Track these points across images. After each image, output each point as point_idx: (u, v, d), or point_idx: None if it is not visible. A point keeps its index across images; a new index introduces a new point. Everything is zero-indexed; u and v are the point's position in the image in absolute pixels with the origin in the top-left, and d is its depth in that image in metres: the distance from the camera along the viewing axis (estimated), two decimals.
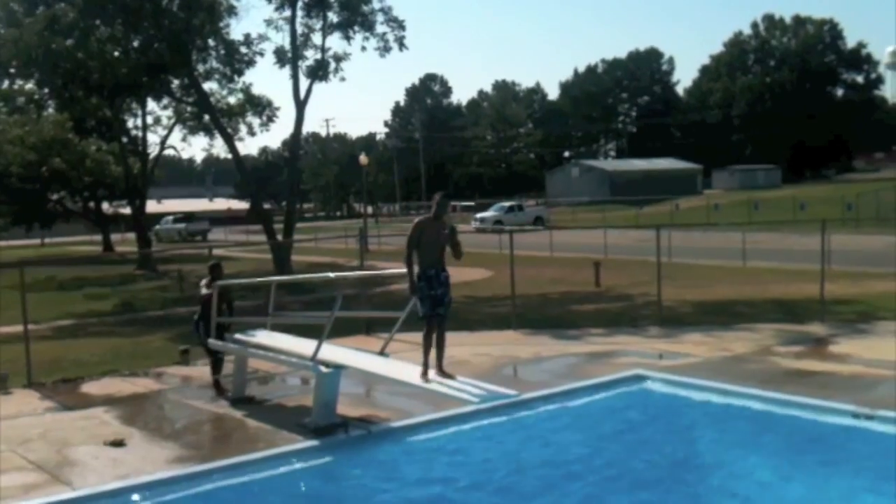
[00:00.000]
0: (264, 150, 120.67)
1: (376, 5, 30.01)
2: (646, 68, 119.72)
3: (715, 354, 12.93)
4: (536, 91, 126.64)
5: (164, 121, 47.30)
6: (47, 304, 22.99)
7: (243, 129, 44.00)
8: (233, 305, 11.95)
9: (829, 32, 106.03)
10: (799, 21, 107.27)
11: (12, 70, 33.33)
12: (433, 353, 9.59)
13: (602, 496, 7.85)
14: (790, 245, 29.11)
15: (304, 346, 10.24)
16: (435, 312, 9.57)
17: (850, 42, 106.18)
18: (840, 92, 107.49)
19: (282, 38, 30.09)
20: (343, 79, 31.55)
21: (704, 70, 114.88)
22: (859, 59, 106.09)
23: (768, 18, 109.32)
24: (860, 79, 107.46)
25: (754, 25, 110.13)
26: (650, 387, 11.12)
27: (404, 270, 9.75)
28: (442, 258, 9.66)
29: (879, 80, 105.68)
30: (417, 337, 14.04)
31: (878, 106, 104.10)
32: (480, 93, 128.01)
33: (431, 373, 9.49)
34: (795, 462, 8.52)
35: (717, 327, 15.30)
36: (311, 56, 30.53)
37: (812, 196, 54.90)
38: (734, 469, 8.32)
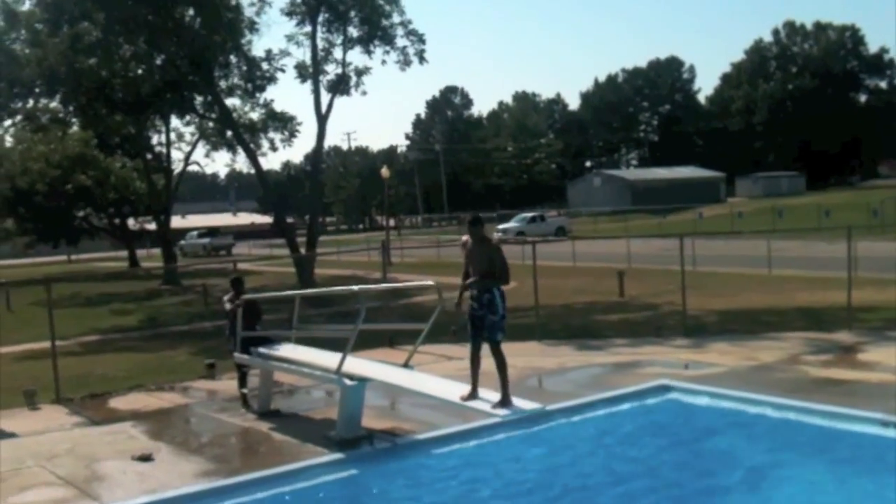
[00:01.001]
0: (287, 165, 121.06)
1: (396, 19, 30.21)
2: (666, 77, 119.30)
3: (741, 364, 12.82)
4: (557, 101, 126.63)
5: (188, 137, 47.75)
6: (74, 319, 23.22)
7: (265, 144, 44.30)
8: (262, 317, 11.98)
9: (850, 38, 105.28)
10: (820, 27, 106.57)
11: (37, 89, 33.73)
12: (495, 376, 9.08)
13: None
14: (816, 252, 28.83)
15: (329, 358, 10.25)
16: (476, 336, 9.22)
17: (873, 47, 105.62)
18: (863, 97, 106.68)
19: (303, 54, 30.45)
20: (364, 93, 31.71)
21: (725, 77, 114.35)
22: (882, 65, 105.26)
23: (789, 25, 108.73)
24: (883, 84, 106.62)
25: (775, 32, 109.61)
26: (676, 397, 11.05)
27: (426, 283, 9.72)
28: (486, 279, 9.14)
29: None
30: (441, 349, 14.13)
31: None
32: (501, 104, 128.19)
33: (482, 391, 9.10)
34: (824, 471, 8.44)
35: (744, 336, 15.18)
36: (332, 70, 30.75)
37: (836, 202, 54.37)
38: (766, 480, 8.24)
